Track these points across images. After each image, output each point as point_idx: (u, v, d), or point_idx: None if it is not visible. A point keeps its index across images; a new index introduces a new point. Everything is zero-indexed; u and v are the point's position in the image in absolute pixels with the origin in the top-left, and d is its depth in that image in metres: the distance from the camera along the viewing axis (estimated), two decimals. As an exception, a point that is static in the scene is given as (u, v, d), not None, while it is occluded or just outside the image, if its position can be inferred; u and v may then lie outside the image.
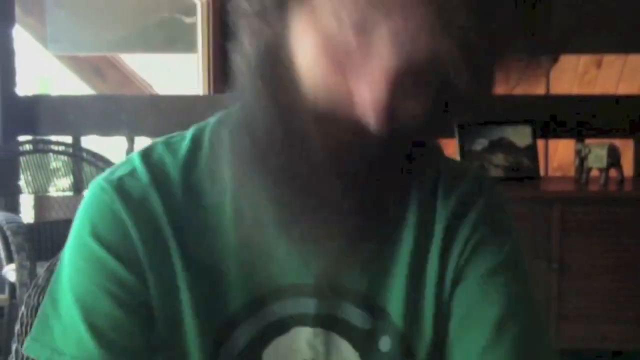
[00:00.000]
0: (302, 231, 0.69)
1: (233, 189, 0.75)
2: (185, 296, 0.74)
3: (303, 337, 0.77)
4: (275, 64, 0.67)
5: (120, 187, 0.74)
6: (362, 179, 0.66)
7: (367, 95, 0.63)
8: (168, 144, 0.78)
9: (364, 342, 0.78)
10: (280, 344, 0.77)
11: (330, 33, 0.63)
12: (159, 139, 0.80)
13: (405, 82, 0.63)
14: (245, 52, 0.70)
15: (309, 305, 0.76)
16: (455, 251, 0.79)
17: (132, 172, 0.75)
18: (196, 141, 0.78)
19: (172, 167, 0.76)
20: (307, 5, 0.64)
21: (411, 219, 0.78)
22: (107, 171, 0.77)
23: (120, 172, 0.76)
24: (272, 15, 0.66)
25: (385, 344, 0.78)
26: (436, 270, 0.78)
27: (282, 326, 0.76)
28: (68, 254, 0.75)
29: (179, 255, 0.74)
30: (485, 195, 0.82)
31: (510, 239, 0.81)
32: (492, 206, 0.81)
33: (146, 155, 0.77)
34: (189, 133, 0.80)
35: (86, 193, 0.76)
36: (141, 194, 0.74)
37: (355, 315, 0.77)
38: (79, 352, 0.71)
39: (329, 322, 0.77)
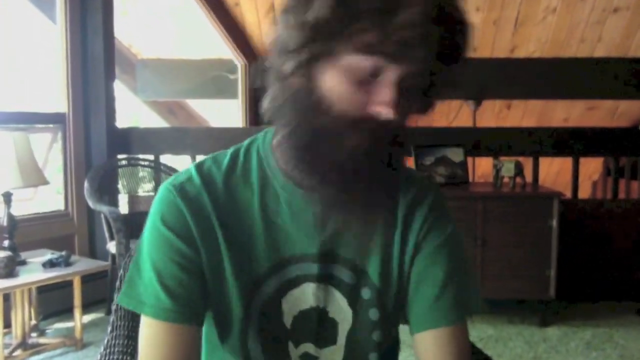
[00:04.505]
0: (325, 190, 0.68)
1: (259, 188, 0.75)
2: (226, 262, 0.73)
3: (309, 289, 0.76)
4: (310, 98, 0.66)
5: (181, 189, 0.73)
6: (372, 161, 0.66)
7: (381, 97, 0.64)
8: (214, 158, 0.77)
9: (351, 292, 0.76)
10: (293, 294, 0.76)
11: (352, 75, 0.63)
12: (209, 155, 0.79)
13: (402, 87, 0.64)
14: (281, 92, 0.68)
15: (313, 268, 0.75)
16: (413, 232, 0.77)
17: (189, 179, 0.74)
18: (234, 157, 0.77)
19: (217, 174, 0.75)
20: (332, 60, 0.64)
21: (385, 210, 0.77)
22: (172, 177, 0.75)
23: (181, 178, 0.74)
24: (305, 70, 0.65)
25: (365, 293, 0.77)
26: (399, 245, 0.77)
27: (295, 282, 0.75)
28: (146, 235, 0.74)
29: (221, 235, 0.73)
30: (432, 194, 0.80)
31: (452, 223, 0.79)
32: (437, 201, 0.80)
33: (199, 166, 0.76)
34: (229, 151, 0.78)
35: (157, 192, 0.75)
36: (195, 194, 0.73)
37: (345, 274, 0.76)
38: (155, 302, 0.70)
39: (327, 279, 0.76)
